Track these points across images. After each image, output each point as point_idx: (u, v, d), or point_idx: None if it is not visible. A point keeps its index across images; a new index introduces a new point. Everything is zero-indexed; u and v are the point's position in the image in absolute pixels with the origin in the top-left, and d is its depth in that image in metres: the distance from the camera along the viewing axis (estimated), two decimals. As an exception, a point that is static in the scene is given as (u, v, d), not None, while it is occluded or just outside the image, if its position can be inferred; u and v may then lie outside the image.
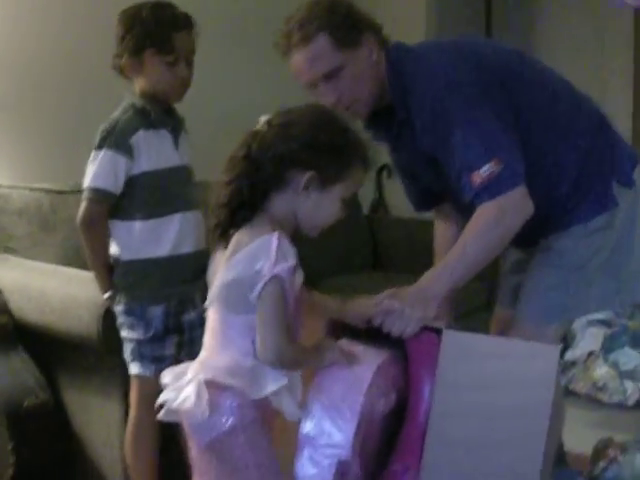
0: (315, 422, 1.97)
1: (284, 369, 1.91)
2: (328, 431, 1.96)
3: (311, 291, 2.12)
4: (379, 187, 5.30)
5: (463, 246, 2.24)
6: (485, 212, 2.22)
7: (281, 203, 1.94)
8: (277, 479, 1.97)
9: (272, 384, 1.88)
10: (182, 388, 1.88)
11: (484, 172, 2.19)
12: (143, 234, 2.48)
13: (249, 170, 1.91)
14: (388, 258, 4.29)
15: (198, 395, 1.85)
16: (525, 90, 2.36)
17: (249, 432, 1.90)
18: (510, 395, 2.06)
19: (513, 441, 2.06)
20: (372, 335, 2.14)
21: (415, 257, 4.01)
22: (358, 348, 2.09)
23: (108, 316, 2.56)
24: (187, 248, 2.52)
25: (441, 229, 2.68)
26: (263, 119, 1.95)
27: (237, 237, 1.91)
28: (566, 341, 4.04)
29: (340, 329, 2.19)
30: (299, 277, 1.95)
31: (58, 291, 2.82)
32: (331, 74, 2.24)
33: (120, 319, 2.49)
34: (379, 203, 5.22)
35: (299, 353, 1.96)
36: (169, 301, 2.49)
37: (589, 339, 4.26)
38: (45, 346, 2.96)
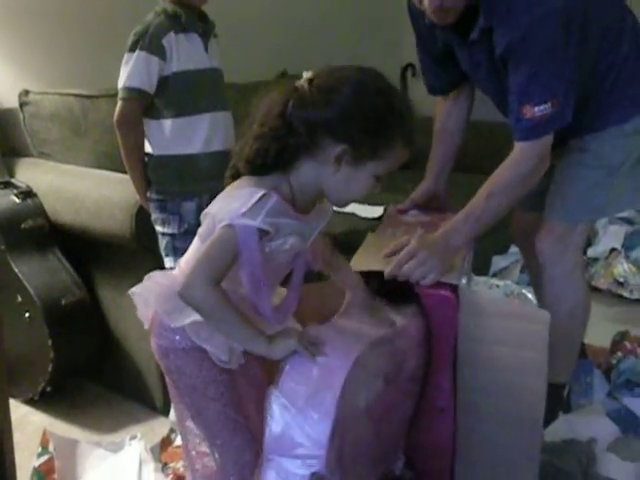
0: (281, 429, 1.75)
1: (198, 313, 1.79)
2: (298, 441, 1.74)
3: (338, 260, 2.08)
4: (404, 86, 5.30)
5: (488, 196, 2.27)
6: (521, 161, 2.28)
7: (307, 169, 1.80)
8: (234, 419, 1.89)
9: (192, 317, 1.81)
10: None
11: (538, 110, 2.22)
12: (174, 132, 2.54)
13: (281, 131, 1.77)
14: (413, 157, 4.27)
15: (146, 304, 1.90)
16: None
17: (190, 357, 1.86)
18: (512, 352, 2.14)
19: (517, 394, 2.16)
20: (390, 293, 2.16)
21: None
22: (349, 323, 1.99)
23: (141, 214, 2.64)
24: (217, 146, 2.58)
25: (448, 106, 2.71)
26: (306, 75, 1.79)
27: (241, 180, 1.83)
28: (588, 238, 4.08)
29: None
30: (285, 251, 1.83)
31: (92, 192, 2.89)
32: None
33: (154, 215, 2.57)
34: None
35: (226, 312, 1.76)
36: (201, 196, 2.55)
37: (611, 236, 4.31)
38: (80, 246, 3.05)
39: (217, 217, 1.76)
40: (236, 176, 1.83)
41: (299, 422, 1.73)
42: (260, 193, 1.72)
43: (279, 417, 1.74)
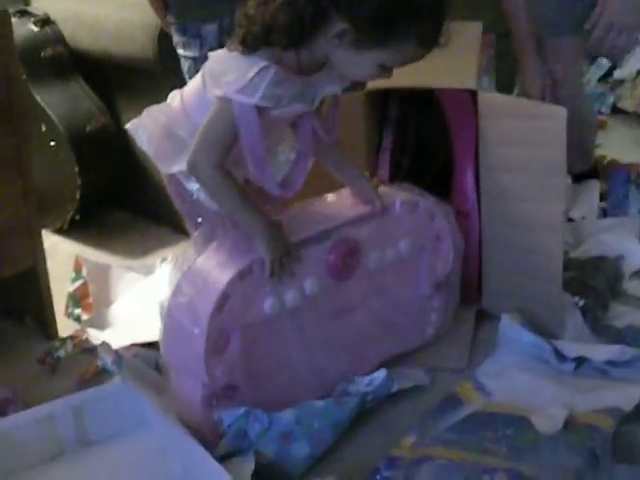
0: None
1: (203, 191, 1.86)
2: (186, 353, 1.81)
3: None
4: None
5: None
6: None
7: (318, 43, 1.71)
8: None
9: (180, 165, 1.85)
10: None
11: None
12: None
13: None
14: None
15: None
16: None
17: None
18: (532, 153, 2.14)
19: (538, 195, 2.16)
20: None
21: None
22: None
23: (163, 36, 2.60)
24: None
25: None
26: None
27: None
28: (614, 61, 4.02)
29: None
30: (287, 118, 1.85)
31: (111, 16, 2.84)
32: None
33: (175, 38, 2.51)
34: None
35: (230, 194, 1.78)
36: (222, 18, 2.49)
37: (638, 58, 4.23)
38: (102, 73, 3.03)
39: (212, 79, 1.76)
40: (245, 43, 1.73)
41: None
42: (258, 66, 1.69)
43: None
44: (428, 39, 1.70)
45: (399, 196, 2.10)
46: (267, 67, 1.69)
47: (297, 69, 1.76)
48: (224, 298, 1.75)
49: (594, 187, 2.98)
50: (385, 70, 1.75)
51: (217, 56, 1.81)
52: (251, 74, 1.68)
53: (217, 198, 1.83)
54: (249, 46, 1.72)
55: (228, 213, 1.84)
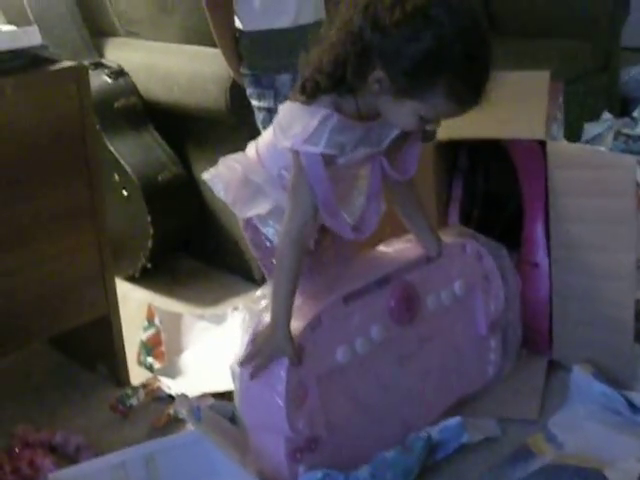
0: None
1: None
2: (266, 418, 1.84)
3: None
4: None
5: None
6: None
7: (368, 89, 1.73)
8: None
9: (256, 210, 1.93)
10: None
11: None
12: (264, 5, 2.49)
13: (355, 36, 1.69)
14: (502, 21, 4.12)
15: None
16: None
17: None
18: (601, 203, 2.14)
19: (609, 245, 2.16)
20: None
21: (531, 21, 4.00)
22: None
23: (235, 88, 2.63)
24: (308, 18, 2.52)
25: None
26: None
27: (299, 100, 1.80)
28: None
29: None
30: (355, 163, 1.88)
31: (184, 68, 2.88)
32: None
33: (249, 89, 2.53)
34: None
35: (285, 277, 1.81)
36: (296, 69, 2.50)
37: None
38: (175, 124, 3.06)
39: (281, 130, 1.79)
40: (308, 91, 1.77)
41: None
42: (321, 114, 1.72)
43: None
44: (458, 96, 1.69)
45: (448, 238, 2.14)
46: (329, 115, 1.73)
47: (357, 116, 1.79)
48: (299, 350, 1.78)
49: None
50: (425, 122, 1.76)
51: (285, 107, 1.85)
52: (314, 123, 1.72)
53: (278, 263, 1.84)
54: (307, 93, 1.77)
55: (274, 282, 1.85)
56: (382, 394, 2.00)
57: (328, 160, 1.77)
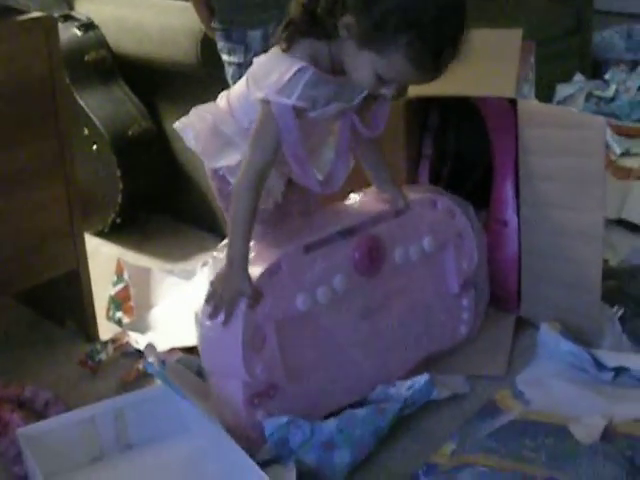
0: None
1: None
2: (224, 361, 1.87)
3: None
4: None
5: None
6: None
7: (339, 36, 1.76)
8: None
9: (225, 160, 1.93)
10: None
11: None
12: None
13: None
14: None
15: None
16: None
17: None
18: (571, 162, 2.14)
19: (578, 204, 2.16)
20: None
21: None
22: None
23: (207, 41, 2.61)
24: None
25: None
26: None
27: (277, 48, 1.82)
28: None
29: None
30: (326, 118, 1.88)
31: (155, 21, 2.85)
32: None
33: (220, 44, 2.52)
34: None
35: (241, 220, 1.82)
36: (267, 24, 2.49)
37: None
38: (145, 77, 3.04)
39: (255, 81, 1.82)
40: (289, 35, 1.79)
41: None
42: (296, 67, 1.74)
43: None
44: (417, 58, 1.69)
45: (417, 194, 2.14)
46: (304, 68, 1.75)
47: (331, 69, 1.81)
48: (256, 293, 1.80)
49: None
50: (383, 83, 1.76)
51: (260, 60, 1.86)
52: (288, 75, 1.74)
53: (234, 205, 1.85)
54: (286, 36, 1.79)
55: (229, 223, 1.87)
56: (344, 345, 2.01)
57: (299, 113, 1.78)
